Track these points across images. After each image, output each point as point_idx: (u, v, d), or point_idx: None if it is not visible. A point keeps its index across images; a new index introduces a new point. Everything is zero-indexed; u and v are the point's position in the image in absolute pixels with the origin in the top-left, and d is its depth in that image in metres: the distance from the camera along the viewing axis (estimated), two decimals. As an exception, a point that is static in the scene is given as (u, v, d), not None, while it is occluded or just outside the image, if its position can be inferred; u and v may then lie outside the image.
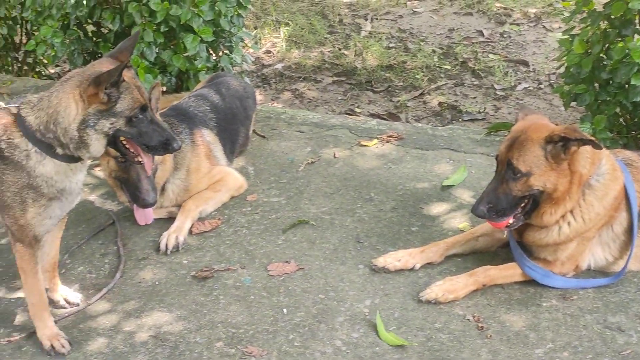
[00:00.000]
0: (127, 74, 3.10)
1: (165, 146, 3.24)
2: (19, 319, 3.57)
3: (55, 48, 5.50)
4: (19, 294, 3.69)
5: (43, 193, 3.14)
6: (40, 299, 3.37)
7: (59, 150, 3.08)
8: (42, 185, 3.13)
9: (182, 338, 3.40)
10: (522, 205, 3.48)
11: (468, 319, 3.43)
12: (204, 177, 4.34)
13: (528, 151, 3.37)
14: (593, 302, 3.52)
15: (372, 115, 6.09)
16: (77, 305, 3.64)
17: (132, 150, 3.26)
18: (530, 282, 3.61)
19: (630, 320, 3.40)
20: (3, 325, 3.53)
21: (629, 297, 3.54)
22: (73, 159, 3.13)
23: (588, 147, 3.41)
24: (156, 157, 3.97)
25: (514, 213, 3.47)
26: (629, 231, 3.61)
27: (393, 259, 3.75)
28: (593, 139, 3.40)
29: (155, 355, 3.30)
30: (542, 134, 3.38)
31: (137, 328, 3.48)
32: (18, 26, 6.57)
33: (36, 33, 5.97)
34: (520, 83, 6.69)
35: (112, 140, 3.14)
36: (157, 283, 3.78)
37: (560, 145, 3.34)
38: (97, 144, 3.09)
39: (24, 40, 6.62)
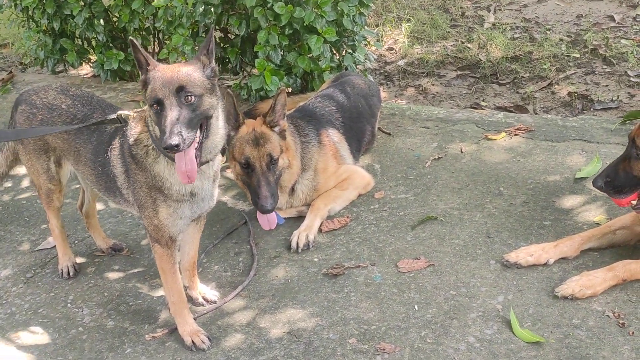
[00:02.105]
0: (171, 68, 3.02)
1: (160, 146, 3.00)
2: (161, 316, 3.74)
3: (185, 55, 5.72)
4: (161, 292, 3.87)
5: (166, 194, 3.24)
6: (179, 297, 3.52)
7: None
8: (161, 186, 3.22)
9: (316, 334, 3.46)
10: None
11: (607, 315, 3.30)
12: (331, 176, 4.40)
13: None
14: None
15: (498, 108, 5.96)
16: (215, 302, 3.78)
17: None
18: (675, 277, 3.44)
19: None
20: (148, 321, 3.71)
21: None
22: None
23: None
24: (282, 162, 4.08)
25: (633, 192, 3.34)
26: None
27: (525, 254, 3.66)
28: None
29: (290, 351, 3.37)
30: None
31: (272, 324, 3.57)
32: (151, 36, 6.88)
33: (168, 42, 6.23)
34: (657, 68, 6.37)
35: None
36: (289, 280, 3.86)
37: None
38: (156, 129, 3.06)
39: (157, 50, 6.92)
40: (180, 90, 2.92)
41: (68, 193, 4.24)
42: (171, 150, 2.85)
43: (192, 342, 3.48)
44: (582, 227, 3.89)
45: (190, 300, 3.74)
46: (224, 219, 4.50)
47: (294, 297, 3.73)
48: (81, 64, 7.09)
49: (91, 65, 7.15)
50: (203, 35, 5.76)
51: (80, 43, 6.97)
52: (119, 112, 3.37)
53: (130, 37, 3.06)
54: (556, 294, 3.44)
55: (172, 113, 2.89)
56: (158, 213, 3.27)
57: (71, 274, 4.14)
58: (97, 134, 3.52)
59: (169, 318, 3.66)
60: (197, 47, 5.74)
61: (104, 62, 6.58)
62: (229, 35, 6.11)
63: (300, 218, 4.30)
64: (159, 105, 2.93)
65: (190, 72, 3.00)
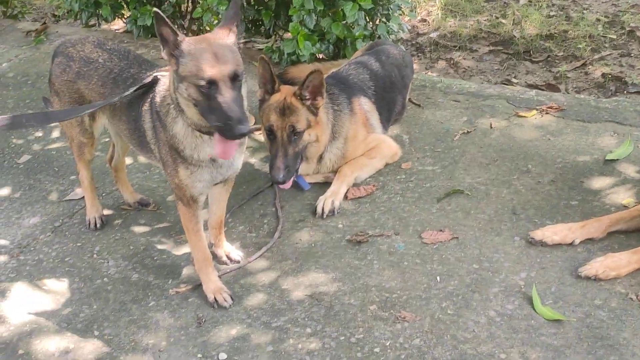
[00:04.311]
0: (214, 37, 2.99)
1: (224, 131, 2.90)
2: (186, 272, 3.80)
3: (220, 15, 5.71)
4: (186, 249, 3.92)
5: (184, 156, 3.23)
6: (203, 255, 3.56)
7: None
8: (179, 147, 3.21)
9: (337, 299, 3.49)
10: None
11: (631, 298, 3.30)
12: (360, 145, 4.41)
13: None
14: None
15: (530, 86, 5.91)
16: (239, 262, 3.82)
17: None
18: (701, 263, 3.42)
19: None
20: (172, 276, 3.77)
21: None
22: (192, 125, 3.12)
23: None
24: (307, 137, 4.06)
25: None
26: None
27: (551, 233, 3.66)
28: None
29: (311, 314, 3.41)
30: None
31: (294, 287, 3.61)
32: (185, -5, 6.86)
33: (202, 1, 6.22)
34: (695, 53, 6.27)
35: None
36: (313, 245, 3.89)
37: None
38: (186, 108, 3.04)
39: (190, 8, 6.91)
40: (233, 74, 2.89)
41: (98, 146, 4.27)
42: (241, 136, 2.89)
43: (215, 299, 3.53)
44: (610, 209, 3.87)
45: (215, 258, 3.79)
46: (250, 180, 4.52)
47: (317, 261, 3.76)
48: (114, 19, 7.07)
49: (124, 20, 7.15)
50: (238, -5, 5.73)
51: (115, -3, 6.98)
52: (156, 73, 3.38)
53: (155, 9, 2.93)
54: (579, 273, 3.44)
55: (229, 95, 2.87)
56: (178, 173, 3.29)
57: (98, 225, 4.19)
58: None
59: (193, 274, 3.72)
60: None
61: (137, 17, 6.57)
62: (264, -3, 6.08)
63: (326, 184, 4.31)
64: (210, 86, 2.88)
65: (235, 51, 2.98)
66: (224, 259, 3.83)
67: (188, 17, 7.00)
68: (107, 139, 4.73)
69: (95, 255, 3.98)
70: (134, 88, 3.39)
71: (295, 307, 3.47)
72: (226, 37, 3.00)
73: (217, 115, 2.87)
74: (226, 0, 5.61)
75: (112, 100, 3.46)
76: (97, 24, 7.48)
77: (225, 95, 2.87)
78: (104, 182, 4.64)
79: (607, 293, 3.34)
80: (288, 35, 5.46)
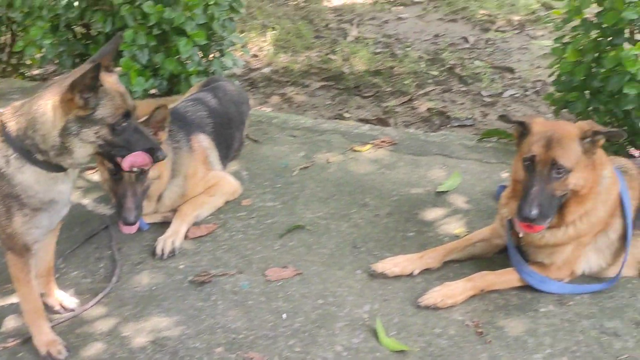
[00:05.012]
0: (108, 79, 3.03)
1: (150, 156, 3.14)
2: (13, 324, 3.53)
3: (44, 49, 5.45)
4: (12, 299, 3.65)
5: (24, 203, 3.07)
6: (34, 306, 3.33)
7: (39, 156, 3.00)
8: (21, 195, 3.05)
9: (182, 343, 3.38)
10: (557, 206, 3.47)
11: (467, 325, 3.45)
12: (200, 182, 4.33)
13: (569, 147, 3.39)
14: (589, 307, 3.55)
15: (361, 120, 6.10)
16: (73, 310, 3.61)
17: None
18: (527, 288, 3.63)
19: (626, 325, 3.43)
20: (-2, 330, 3.49)
21: (624, 302, 3.58)
22: (54, 167, 3.04)
23: (599, 149, 3.52)
24: (152, 173, 3.97)
25: (552, 215, 3.45)
26: (623, 238, 3.66)
27: (391, 265, 3.76)
28: (616, 129, 3.47)
29: (155, 361, 3.28)
30: (575, 129, 3.44)
31: (135, 333, 3.46)
32: (4, 27, 6.48)
33: (22, 34, 5.92)
34: (506, 90, 6.74)
35: (107, 152, 3.08)
36: (154, 288, 3.76)
37: (590, 140, 3.42)
38: (80, 152, 3.01)
39: (9, 41, 6.54)
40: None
41: None
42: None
43: (48, 352, 3.30)
44: (444, 239, 4.05)
45: (47, 307, 3.54)
46: (83, 222, 4.31)
47: (159, 304, 3.63)
48: None
49: None
50: (64, 29, 5.51)
51: None
52: None
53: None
54: (419, 303, 3.55)
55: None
56: (12, 221, 3.09)
57: None
58: None
59: (22, 326, 3.45)
60: (56, 42, 5.48)
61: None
62: (91, 31, 5.87)
63: (165, 224, 4.19)
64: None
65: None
66: (57, 307, 3.60)
67: (7, 49, 6.63)
68: None
69: None
70: None
71: (137, 355, 3.32)
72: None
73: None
74: (51, 34, 5.37)
75: None
76: None
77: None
78: None
79: (446, 321, 3.47)
80: (119, 70, 5.30)
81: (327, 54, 7.61)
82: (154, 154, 3.13)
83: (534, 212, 3.35)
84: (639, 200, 3.69)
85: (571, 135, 3.41)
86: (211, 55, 5.74)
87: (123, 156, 3.09)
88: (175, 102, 4.85)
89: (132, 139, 3.06)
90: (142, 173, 3.87)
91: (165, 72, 5.37)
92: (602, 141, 3.46)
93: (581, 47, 4.70)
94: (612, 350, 3.29)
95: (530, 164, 3.44)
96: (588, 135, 3.40)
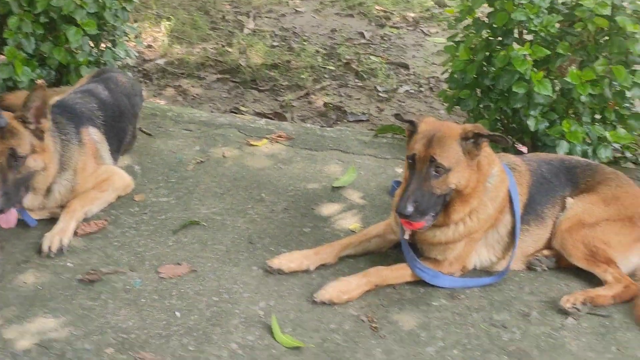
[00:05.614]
0: None
1: None
2: None
3: None
4: None
5: None
6: None
7: None
8: None
9: (69, 345, 3.25)
10: (440, 204, 3.55)
11: (362, 320, 3.48)
12: (90, 177, 4.18)
13: (449, 147, 3.47)
14: (479, 300, 3.66)
15: (258, 114, 6.06)
16: (-49, 312, 3.41)
17: None
18: (421, 282, 3.71)
19: (513, 317, 3.55)
20: None
21: (512, 295, 3.71)
22: None
23: (487, 149, 3.59)
24: (34, 163, 3.83)
25: (432, 212, 3.53)
26: (512, 233, 3.79)
27: (287, 261, 3.74)
28: (502, 135, 3.56)
29: (40, 364, 3.14)
30: (457, 130, 3.52)
31: (19, 335, 3.29)
32: None
33: None
34: (401, 85, 6.86)
35: None
36: (40, 287, 3.59)
37: (473, 142, 3.49)
38: None
39: None
40: None
41: None
42: None
43: None
44: (339, 235, 4.07)
45: None
46: (-38, 219, 4.08)
47: (45, 305, 3.48)
48: None
49: None
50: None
51: None
52: None
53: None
54: (315, 299, 3.55)
55: None
56: None
57: None
58: None
59: None
60: None
61: None
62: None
63: (54, 220, 4.02)
64: None
65: None
66: None
67: None
68: None
69: None
70: None
71: (21, 359, 3.16)
72: None
73: None
74: None
75: None
76: None
77: None
78: None
79: (341, 317, 3.49)
80: (3, 58, 5.05)
81: (223, 46, 7.51)
82: None
83: (409, 208, 3.42)
84: (526, 196, 3.83)
85: (452, 135, 3.50)
86: (103, 45, 5.55)
87: None
88: (64, 93, 4.67)
89: None
90: (16, 159, 3.71)
91: (54, 62, 5.15)
92: (485, 143, 3.55)
93: (473, 46, 4.84)
94: (501, 341, 3.40)
95: (412, 162, 3.52)
96: (469, 137, 3.50)
